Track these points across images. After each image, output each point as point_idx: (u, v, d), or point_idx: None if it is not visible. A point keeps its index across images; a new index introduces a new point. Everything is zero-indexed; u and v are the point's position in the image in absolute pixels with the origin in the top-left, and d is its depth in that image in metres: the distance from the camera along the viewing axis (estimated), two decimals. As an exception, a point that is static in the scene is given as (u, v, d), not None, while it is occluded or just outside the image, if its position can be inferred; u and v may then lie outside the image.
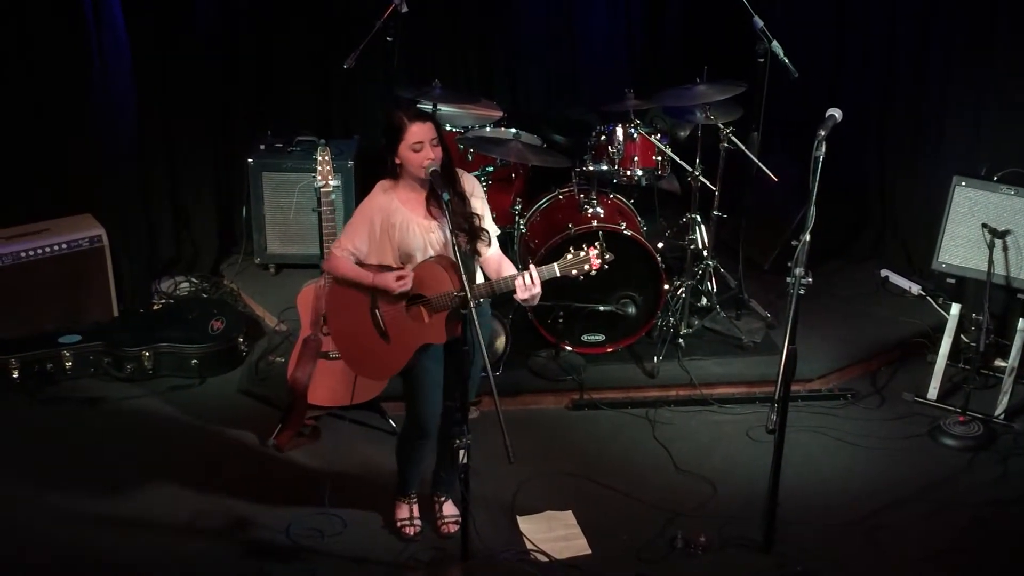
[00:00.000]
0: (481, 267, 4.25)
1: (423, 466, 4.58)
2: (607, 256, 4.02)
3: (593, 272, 4.03)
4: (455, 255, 3.99)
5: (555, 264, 4.03)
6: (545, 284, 4.03)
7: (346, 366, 4.93)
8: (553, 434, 5.33)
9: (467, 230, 4.11)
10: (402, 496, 4.63)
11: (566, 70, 7.55)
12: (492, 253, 4.24)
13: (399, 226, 4.10)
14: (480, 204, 4.21)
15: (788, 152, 6.38)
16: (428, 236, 4.12)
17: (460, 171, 4.22)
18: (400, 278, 4.08)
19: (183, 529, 4.61)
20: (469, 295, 3.92)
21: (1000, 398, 5.37)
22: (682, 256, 5.95)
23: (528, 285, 3.98)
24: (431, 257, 4.12)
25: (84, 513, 4.69)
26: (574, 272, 4.03)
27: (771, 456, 4.34)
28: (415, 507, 4.62)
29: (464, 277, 3.93)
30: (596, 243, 4.01)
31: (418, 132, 4.01)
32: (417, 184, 4.12)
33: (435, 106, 5.90)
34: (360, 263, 4.17)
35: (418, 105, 5.52)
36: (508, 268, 4.22)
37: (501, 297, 4.22)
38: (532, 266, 4.00)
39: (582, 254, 4.01)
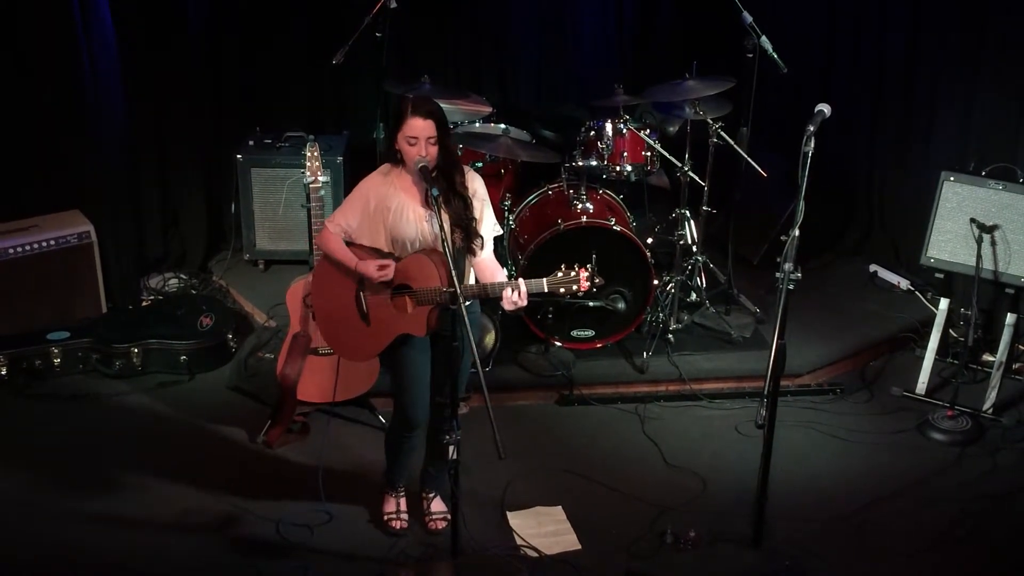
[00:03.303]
0: (473, 268, 4.25)
1: (412, 460, 4.58)
2: (597, 280, 4.02)
3: (580, 293, 4.02)
4: (445, 250, 3.97)
5: (544, 280, 4.01)
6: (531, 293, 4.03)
7: (335, 362, 4.95)
8: (543, 430, 5.33)
9: (464, 228, 4.11)
10: (390, 490, 4.63)
11: (556, 65, 7.53)
12: (486, 256, 4.24)
13: (394, 210, 4.10)
14: (480, 205, 4.20)
15: (777, 147, 6.39)
16: (421, 225, 4.11)
17: (468, 170, 4.21)
18: (382, 267, 4.08)
19: (173, 525, 4.60)
20: (459, 292, 3.91)
21: (988, 392, 5.39)
22: (671, 251, 5.95)
23: (515, 299, 3.98)
24: (423, 250, 4.12)
25: (72, 510, 4.67)
26: (562, 291, 4.01)
27: (760, 451, 4.35)
28: (403, 501, 4.62)
29: (454, 274, 3.92)
30: (588, 265, 4.02)
31: (416, 127, 3.99)
32: (414, 173, 4.12)
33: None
34: (350, 242, 4.16)
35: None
36: (500, 275, 4.22)
37: (490, 298, 4.22)
38: (521, 280, 3.99)
39: (572, 274, 4.00)
